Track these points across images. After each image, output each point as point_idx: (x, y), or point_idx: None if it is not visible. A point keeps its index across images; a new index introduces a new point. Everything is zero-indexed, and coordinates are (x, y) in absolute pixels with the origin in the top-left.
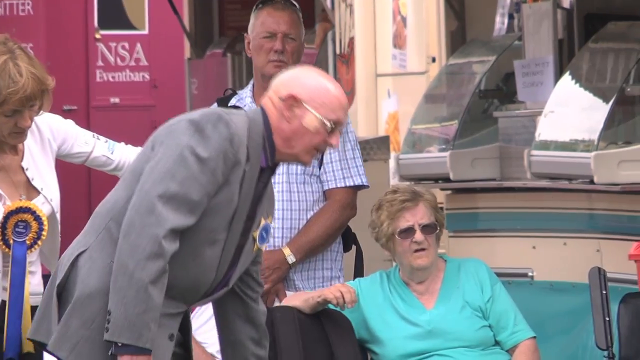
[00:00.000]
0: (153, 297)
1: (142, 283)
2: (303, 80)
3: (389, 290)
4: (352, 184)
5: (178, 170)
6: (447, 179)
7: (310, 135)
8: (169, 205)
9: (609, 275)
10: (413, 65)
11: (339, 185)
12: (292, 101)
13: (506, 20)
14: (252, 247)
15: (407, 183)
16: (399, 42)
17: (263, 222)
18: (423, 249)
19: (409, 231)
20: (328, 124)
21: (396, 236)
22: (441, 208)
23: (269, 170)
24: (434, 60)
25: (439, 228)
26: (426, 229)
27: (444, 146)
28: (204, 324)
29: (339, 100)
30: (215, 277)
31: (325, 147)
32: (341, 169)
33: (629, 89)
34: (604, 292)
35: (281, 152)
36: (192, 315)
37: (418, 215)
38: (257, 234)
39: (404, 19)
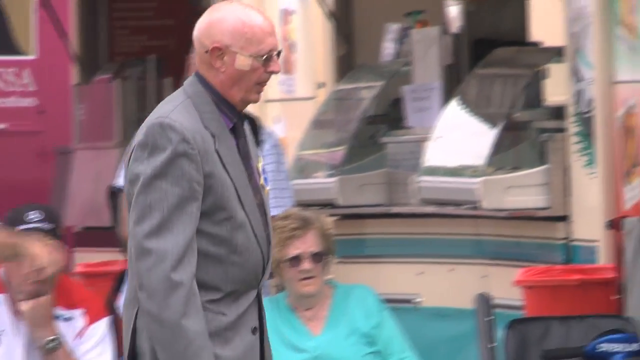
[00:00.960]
0: (189, 328)
1: (174, 321)
2: (219, 25)
3: (277, 316)
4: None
5: (151, 199)
6: (334, 205)
7: (248, 75)
8: (159, 238)
9: (495, 301)
10: (301, 91)
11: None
12: (217, 52)
13: (395, 46)
14: (267, 196)
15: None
16: (287, 67)
17: (260, 165)
18: (311, 277)
19: (297, 259)
20: (260, 57)
21: (284, 263)
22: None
23: (238, 124)
24: (322, 85)
25: (328, 256)
26: (315, 257)
27: (331, 172)
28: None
29: (262, 29)
30: (263, 249)
31: (268, 76)
32: (274, 197)
33: (516, 115)
34: (489, 318)
35: (233, 100)
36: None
37: (307, 244)
38: (262, 180)
39: (292, 45)
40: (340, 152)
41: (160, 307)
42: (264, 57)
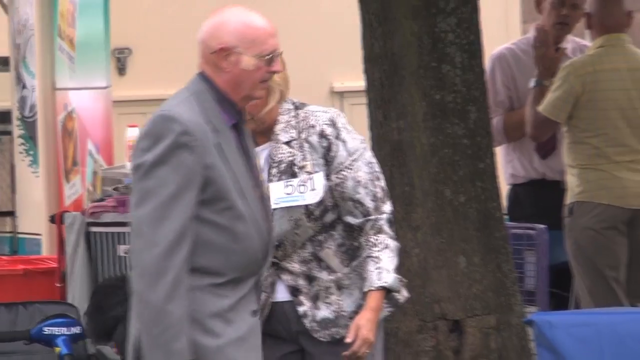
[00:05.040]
0: (171, 313)
1: (157, 306)
2: (225, 27)
3: None
4: None
5: (150, 185)
6: None
7: (252, 74)
8: (155, 223)
9: None
10: None
11: None
12: (223, 52)
13: None
14: (268, 190)
15: None
16: None
17: (259, 161)
18: None
19: None
20: (263, 57)
21: None
22: None
23: (240, 121)
24: None
25: None
26: None
27: None
28: None
29: (265, 31)
30: (263, 236)
31: (270, 76)
32: None
33: None
34: None
35: (236, 98)
36: None
37: None
38: (263, 175)
39: None
40: None
41: (147, 289)
42: (267, 57)
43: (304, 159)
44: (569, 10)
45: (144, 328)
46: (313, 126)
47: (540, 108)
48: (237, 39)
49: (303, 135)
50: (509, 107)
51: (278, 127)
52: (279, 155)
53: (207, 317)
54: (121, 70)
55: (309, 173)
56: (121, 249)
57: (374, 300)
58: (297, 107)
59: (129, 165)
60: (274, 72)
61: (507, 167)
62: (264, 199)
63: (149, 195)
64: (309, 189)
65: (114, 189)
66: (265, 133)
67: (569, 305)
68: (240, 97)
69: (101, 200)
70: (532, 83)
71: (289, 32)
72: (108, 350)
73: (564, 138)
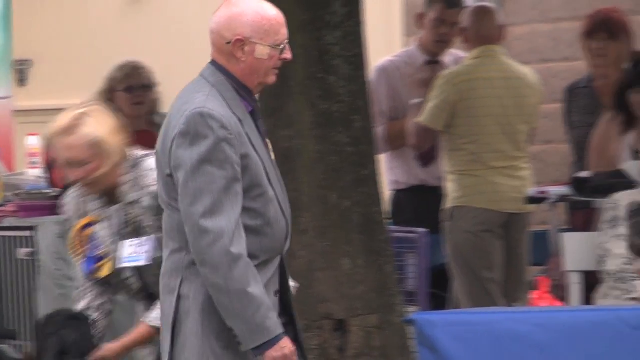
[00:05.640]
0: (255, 294)
1: (241, 291)
2: (240, 19)
3: None
4: None
5: (201, 183)
6: None
7: (266, 62)
8: (214, 217)
9: None
10: None
11: None
12: (240, 43)
13: None
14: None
15: None
16: None
17: (268, 141)
18: None
19: None
20: (277, 46)
21: None
22: None
23: (256, 107)
24: None
25: None
26: None
27: None
28: None
29: (277, 20)
30: (287, 219)
31: (281, 62)
32: None
33: None
34: None
35: (252, 85)
36: None
37: None
38: (273, 155)
39: None
40: None
41: (226, 280)
42: (280, 46)
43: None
44: (447, 29)
45: (238, 316)
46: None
47: (420, 118)
48: (252, 30)
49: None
50: (392, 117)
51: (124, 188)
52: (128, 216)
53: None
54: (22, 81)
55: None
56: (21, 253)
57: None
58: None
59: (30, 172)
60: (285, 60)
61: (389, 173)
62: (280, 179)
63: (202, 193)
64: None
65: (15, 195)
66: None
67: (447, 305)
68: (255, 84)
69: (1, 205)
70: (414, 100)
71: (151, 45)
72: (6, 348)
73: (443, 145)
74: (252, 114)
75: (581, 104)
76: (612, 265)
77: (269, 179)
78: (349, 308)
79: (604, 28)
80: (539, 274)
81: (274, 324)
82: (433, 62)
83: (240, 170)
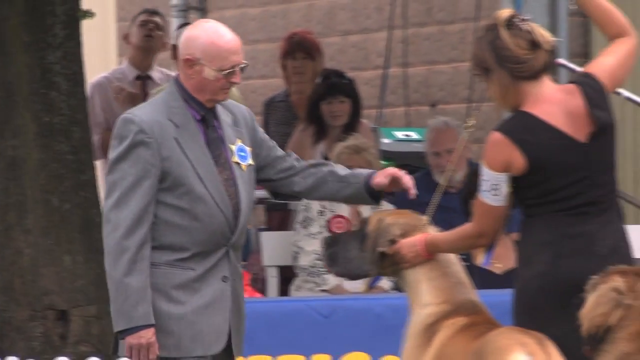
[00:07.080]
0: (130, 284)
1: (118, 279)
2: (195, 40)
3: None
4: None
5: (114, 179)
6: None
7: (213, 83)
8: (117, 209)
9: None
10: None
11: None
12: (190, 62)
13: None
14: (242, 171)
15: None
16: None
17: (235, 146)
18: None
19: None
20: (223, 71)
21: None
22: None
23: (208, 116)
24: None
25: None
26: None
27: None
28: None
29: (227, 49)
30: (227, 215)
31: (231, 85)
32: None
33: None
34: None
35: (202, 99)
36: None
37: None
38: (236, 158)
39: None
40: None
41: (111, 266)
42: (226, 72)
43: None
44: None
45: (113, 301)
46: None
47: None
48: (202, 53)
49: None
50: (106, 127)
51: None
52: None
53: (171, 288)
54: None
55: None
56: None
57: None
58: None
59: None
60: (233, 84)
61: None
62: (231, 180)
63: (114, 187)
64: None
65: None
66: None
67: None
68: (205, 99)
69: None
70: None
71: None
72: None
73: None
74: (203, 121)
75: (278, 116)
76: (305, 260)
77: (200, 179)
78: (70, 300)
79: (301, 48)
80: (241, 268)
81: (140, 314)
82: (143, 78)
83: (161, 170)
